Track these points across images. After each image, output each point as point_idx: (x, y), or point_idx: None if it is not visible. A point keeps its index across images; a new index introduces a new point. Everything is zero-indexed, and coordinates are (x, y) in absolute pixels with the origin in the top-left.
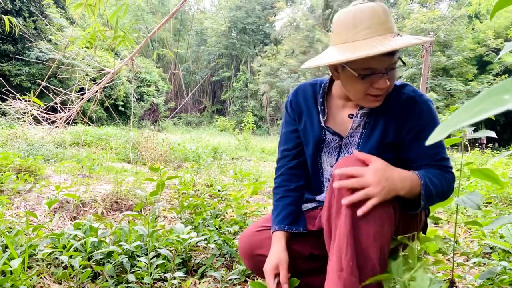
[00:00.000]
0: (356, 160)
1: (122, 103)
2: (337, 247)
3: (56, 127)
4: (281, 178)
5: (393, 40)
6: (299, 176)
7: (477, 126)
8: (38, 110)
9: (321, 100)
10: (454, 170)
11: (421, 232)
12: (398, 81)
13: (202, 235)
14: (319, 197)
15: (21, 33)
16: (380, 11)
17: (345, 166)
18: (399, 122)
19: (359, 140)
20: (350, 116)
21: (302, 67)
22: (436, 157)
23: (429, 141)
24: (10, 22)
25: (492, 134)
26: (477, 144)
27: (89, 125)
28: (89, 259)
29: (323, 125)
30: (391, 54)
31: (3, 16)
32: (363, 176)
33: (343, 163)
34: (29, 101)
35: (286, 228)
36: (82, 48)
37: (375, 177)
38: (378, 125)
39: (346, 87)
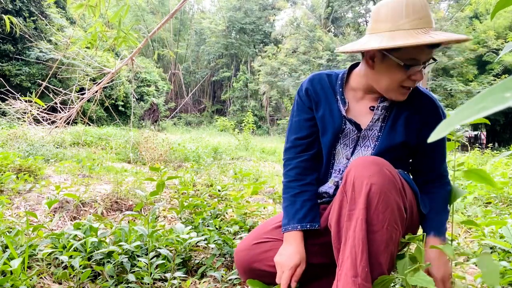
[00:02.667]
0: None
1: (122, 103)
2: (352, 252)
3: (56, 127)
4: (295, 172)
5: (443, 33)
6: (313, 169)
7: (477, 126)
8: (38, 110)
9: (340, 90)
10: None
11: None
12: None
13: (202, 235)
14: (322, 188)
15: (21, 33)
16: (427, 4)
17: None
18: (422, 120)
19: (379, 134)
20: (371, 108)
21: (343, 51)
22: (441, 171)
23: (432, 138)
24: (11, 22)
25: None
26: (477, 144)
27: (89, 125)
28: (89, 259)
29: (344, 114)
30: (433, 47)
31: (3, 16)
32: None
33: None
34: (29, 101)
35: (308, 226)
36: (83, 48)
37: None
38: (400, 120)
39: (381, 76)
